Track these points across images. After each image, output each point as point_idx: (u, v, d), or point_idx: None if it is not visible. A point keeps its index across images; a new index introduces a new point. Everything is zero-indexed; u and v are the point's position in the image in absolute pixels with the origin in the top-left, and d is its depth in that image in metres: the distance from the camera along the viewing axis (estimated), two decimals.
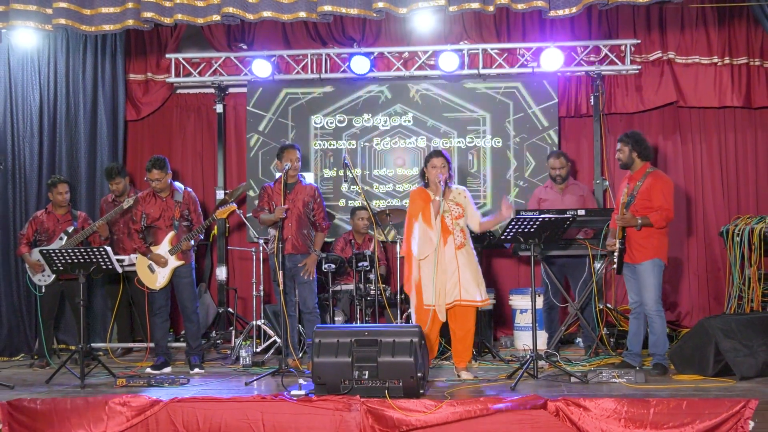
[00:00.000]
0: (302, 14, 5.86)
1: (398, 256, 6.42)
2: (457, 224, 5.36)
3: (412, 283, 5.39)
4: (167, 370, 5.96)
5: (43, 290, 6.42)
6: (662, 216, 5.35)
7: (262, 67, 7.61)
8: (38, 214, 6.58)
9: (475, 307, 5.35)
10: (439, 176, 5.31)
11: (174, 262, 5.94)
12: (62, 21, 5.96)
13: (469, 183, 7.64)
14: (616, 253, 5.46)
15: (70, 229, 6.49)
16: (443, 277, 5.28)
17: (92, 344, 6.58)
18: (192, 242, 5.95)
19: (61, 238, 6.47)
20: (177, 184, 6.16)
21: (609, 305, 7.06)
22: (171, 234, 5.95)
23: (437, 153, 5.47)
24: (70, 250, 5.47)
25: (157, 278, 5.96)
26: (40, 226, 6.48)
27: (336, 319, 6.71)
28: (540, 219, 5.25)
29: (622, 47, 7.45)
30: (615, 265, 5.50)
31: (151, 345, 6.16)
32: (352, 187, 7.66)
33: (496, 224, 5.49)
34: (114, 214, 6.57)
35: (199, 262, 7.80)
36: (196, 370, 5.92)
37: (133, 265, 6.39)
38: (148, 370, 5.91)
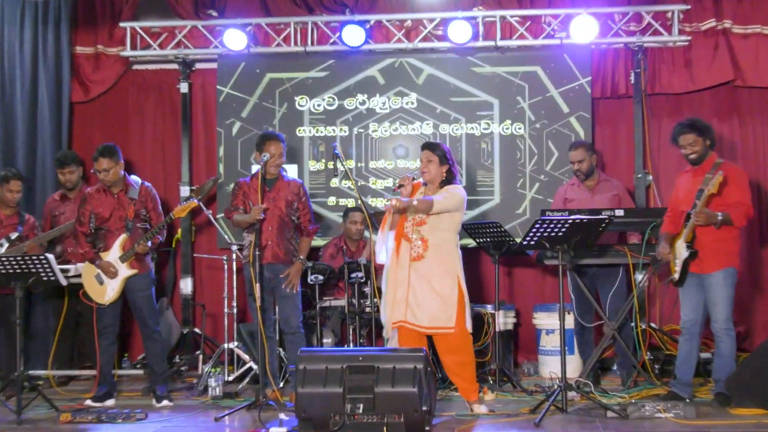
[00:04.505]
0: None
1: None
2: (417, 231, 5.34)
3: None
4: (110, 402, 5.94)
5: None
6: (742, 212, 5.38)
7: (235, 39, 7.61)
8: None
9: (446, 335, 5.29)
10: (410, 174, 5.36)
11: (125, 272, 5.92)
12: None
13: (482, 176, 7.67)
14: (679, 261, 5.46)
15: (14, 236, 6.47)
16: (392, 290, 5.35)
17: (30, 372, 6.56)
18: (149, 244, 5.92)
19: (1, 245, 6.46)
20: (133, 177, 6.16)
21: (653, 324, 7.05)
22: (123, 237, 5.93)
23: (423, 146, 5.50)
24: (4, 259, 5.46)
25: (106, 291, 5.93)
26: None
27: (324, 341, 6.70)
28: (570, 221, 5.25)
29: (669, 14, 7.45)
30: (676, 275, 5.50)
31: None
32: (343, 181, 7.65)
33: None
34: (58, 233, 6.58)
35: (160, 272, 7.79)
36: (165, 402, 5.90)
37: (81, 275, 6.38)
38: (88, 402, 5.90)
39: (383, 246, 5.50)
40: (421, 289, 5.28)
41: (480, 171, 7.69)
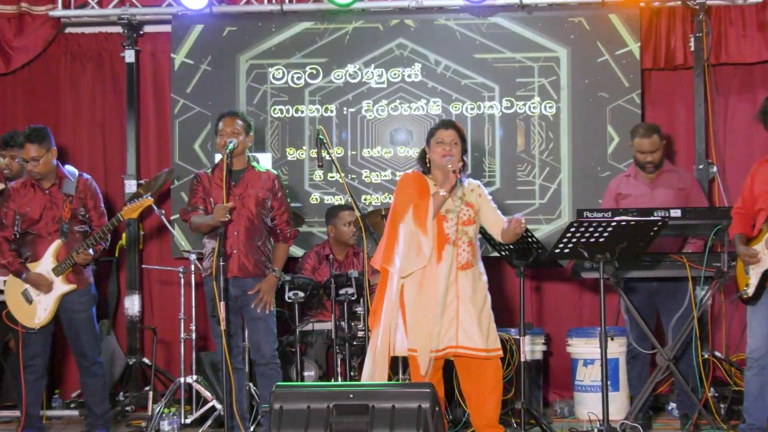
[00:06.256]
0: None
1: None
2: (464, 233, 5.31)
3: (382, 315, 5.30)
4: None
5: None
6: None
7: None
8: None
9: (495, 359, 5.30)
10: (446, 159, 5.25)
11: (61, 287, 5.93)
12: None
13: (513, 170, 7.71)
14: (757, 272, 5.45)
15: None
16: (436, 310, 5.20)
17: None
18: (91, 252, 5.94)
19: None
20: (68, 168, 6.16)
21: (717, 353, 7.06)
22: (57, 244, 5.94)
23: (447, 124, 5.46)
24: None
25: (36, 311, 5.94)
26: None
27: (306, 373, 6.73)
28: (613, 223, 5.26)
29: None
30: (749, 289, 5.49)
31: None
32: (329, 175, 7.67)
33: (509, 240, 5.39)
34: None
35: (100, 288, 7.78)
36: None
37: (1, 292, 6.40)
38: None
39: (430, 245, 5.24)
40: (473, 304, 5.24)
41: (499, 161, 7.74)
